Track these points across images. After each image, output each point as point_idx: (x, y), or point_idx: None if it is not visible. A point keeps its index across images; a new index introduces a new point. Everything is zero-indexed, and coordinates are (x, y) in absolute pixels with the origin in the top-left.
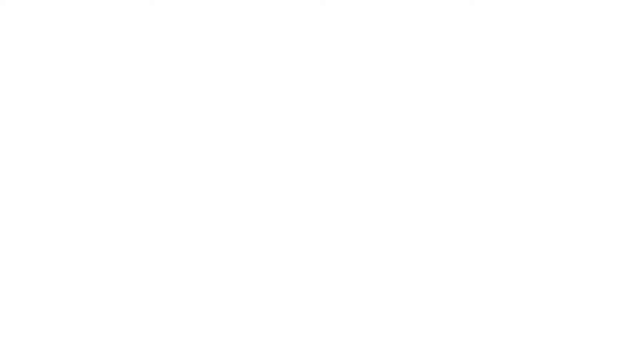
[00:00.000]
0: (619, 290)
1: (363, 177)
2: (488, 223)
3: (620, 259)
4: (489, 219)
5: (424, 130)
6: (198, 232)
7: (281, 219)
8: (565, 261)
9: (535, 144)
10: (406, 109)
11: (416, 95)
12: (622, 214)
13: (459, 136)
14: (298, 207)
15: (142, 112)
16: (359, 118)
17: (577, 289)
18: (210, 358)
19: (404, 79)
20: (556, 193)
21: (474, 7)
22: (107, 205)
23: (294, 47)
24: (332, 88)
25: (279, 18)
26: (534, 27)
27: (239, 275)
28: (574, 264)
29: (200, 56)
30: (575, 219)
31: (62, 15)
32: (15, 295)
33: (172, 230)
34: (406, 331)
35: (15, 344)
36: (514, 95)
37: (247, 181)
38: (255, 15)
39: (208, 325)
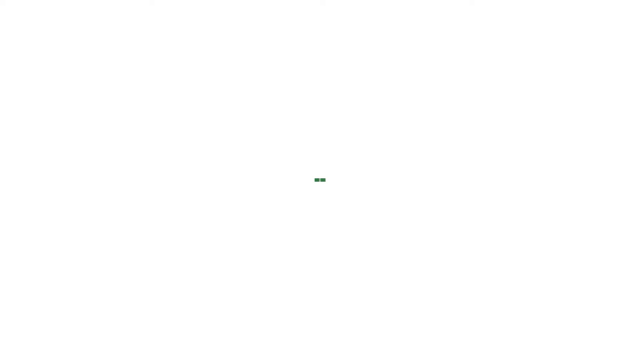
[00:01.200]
0: (619, 291)
1: (363, 176)
2: (488, 223)
3: (620, 259)
4: (488, 219)
5: (423, 130)
6: (197, 232)
7: (280, 218)
8: (565, 261)
9: (535, 144)
10: (406, 108)
11: (416, 95)
12: (622, 214)
13: (459, 136)
14: (297, 206)
15: (142, 112)
16: (358, 118)
17: (577, 289)
18: (211, 358)
19: (404, 78)
20: (556, 193)
21: (474, 7)
22: (106, 205)
23: (294, 47)
24: (332, 88)
25: (279, 18)
26: (534, 27)
27: (238, 275)
28: (573, 263)
29: (200, 56)
30: (575, 219)
31: (62, 15)
32: (15, 295)
33: (172, 230)
34: (406, 331)
35: (15, 344)
36: (514, 95)
37: (246, 180)
38: (255, 15)
39: (208, 325)
